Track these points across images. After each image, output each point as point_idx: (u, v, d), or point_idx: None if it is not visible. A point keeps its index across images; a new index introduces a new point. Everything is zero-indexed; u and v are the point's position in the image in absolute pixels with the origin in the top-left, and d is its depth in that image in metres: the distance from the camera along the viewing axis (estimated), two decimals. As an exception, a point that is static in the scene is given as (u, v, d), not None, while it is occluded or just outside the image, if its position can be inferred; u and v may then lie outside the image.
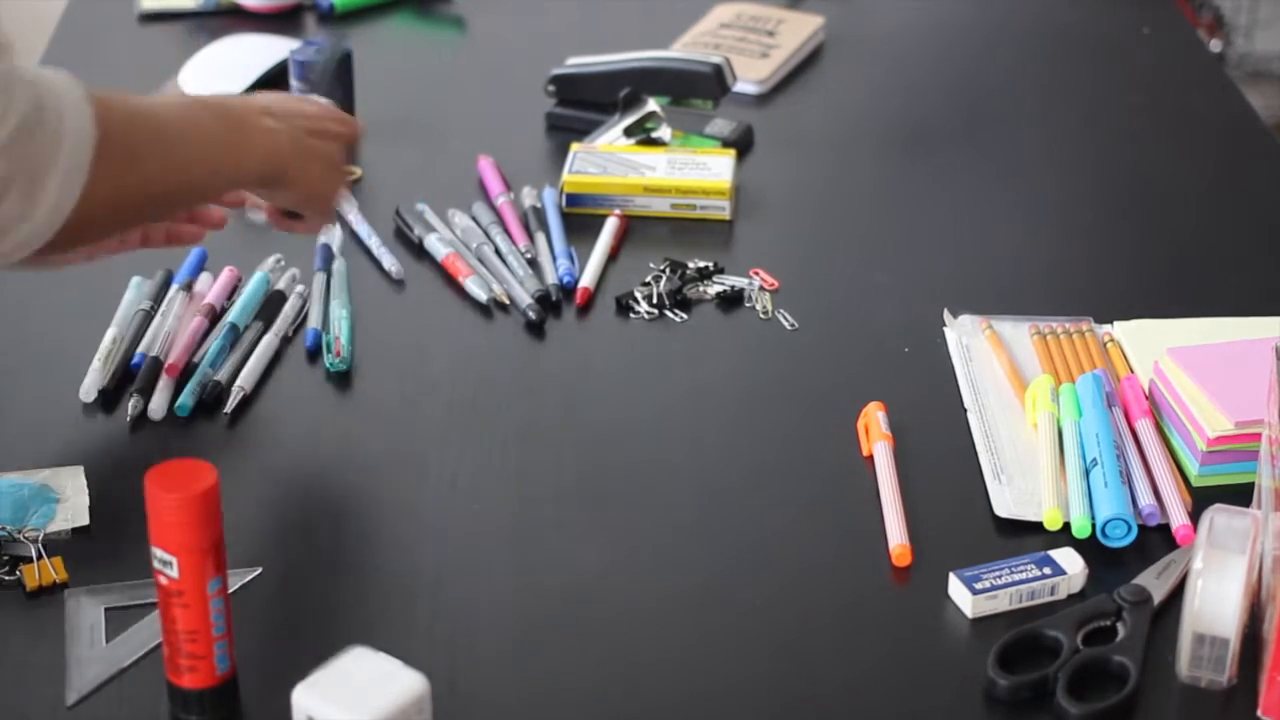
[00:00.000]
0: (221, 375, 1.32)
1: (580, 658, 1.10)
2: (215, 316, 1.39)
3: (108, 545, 1.17)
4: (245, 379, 1.32)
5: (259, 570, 1.14)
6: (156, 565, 1.00)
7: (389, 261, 1.50)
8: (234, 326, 1.37)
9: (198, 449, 1.26)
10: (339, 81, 1.68)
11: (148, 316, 1.38)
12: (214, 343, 1.35)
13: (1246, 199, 1.67)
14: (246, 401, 1.31)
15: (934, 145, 1.77)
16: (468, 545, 1.19)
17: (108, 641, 1.09)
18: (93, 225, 1.12)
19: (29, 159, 1.02)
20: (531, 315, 1.42)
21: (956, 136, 1.78)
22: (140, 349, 1.35)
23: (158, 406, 1.29)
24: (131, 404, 1.29)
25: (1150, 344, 1.35)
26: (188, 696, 1.03)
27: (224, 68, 1.81)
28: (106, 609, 1.11)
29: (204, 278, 1.44)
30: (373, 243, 1.52)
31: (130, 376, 1.32)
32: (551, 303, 1.45)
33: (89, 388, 1.30)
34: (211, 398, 1.30)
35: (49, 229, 1.05)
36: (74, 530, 1.18)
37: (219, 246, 1.46)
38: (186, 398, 1.30)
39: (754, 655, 1.10)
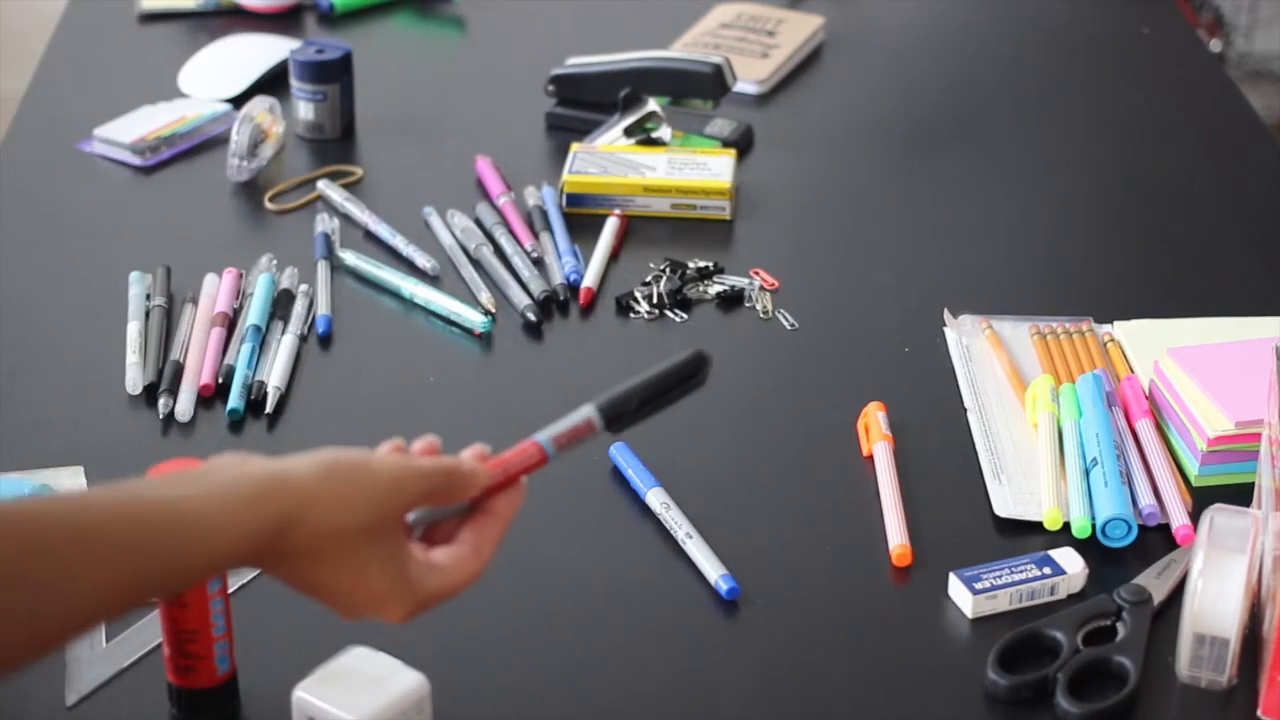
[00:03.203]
0: (258, 377, 1.34)
1: (580, 658, 1.10)
2: (228, 321, 1.40)
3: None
4: (278, 378, 1.33)
5: (259, 570, 1.14)
6: (156, 565, 1.00)
7: (422, 259, 1.50)
8: (257, 328, 1.37)
9: (195, 448, 1.26)
10: None
11: (164, 313, 1.40)
12: (245, 346, 1.36)
13: (1246, 199, 1.66)
14: (248, 401, 1.31)
15: (934, 145, 1.77)
16: (468, 545, 1.19)
17: (108, 641, 1.09)
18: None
19: None
20: (530, 317, 1.42)
21: (956, 136, 1.78)
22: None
23: (185, 408, 1.30)
24: (162, 403, 1.30)
25: (1150, 344, 1.35)
26: (188, 696, 1.03)
27: (224, 68, 1.81)
28: (106, 609, 1.11)
29: (209, 278, 1.44)
30: (398, 242, 1.52)
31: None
32: (559, 302, 1.45)
33: (134, 381, 1.32)
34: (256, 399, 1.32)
35: None
36: (74, 530, 1.18)
37: (209, 247, 1.46)
38: (236, 401, 1.30)
39: (754, 654, 1.10)
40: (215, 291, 1.43)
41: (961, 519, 1.22)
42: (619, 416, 0.94)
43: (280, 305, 1.42)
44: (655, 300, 1.45)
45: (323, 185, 1.61)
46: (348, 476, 0.89)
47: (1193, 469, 1.24)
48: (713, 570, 1.14)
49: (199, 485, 0.86)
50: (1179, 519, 1.19)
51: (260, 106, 1.65)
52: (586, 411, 0.95)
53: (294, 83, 1.70)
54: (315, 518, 0.87)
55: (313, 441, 1.29)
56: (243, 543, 0.86)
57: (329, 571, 0.89)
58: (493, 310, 1.44)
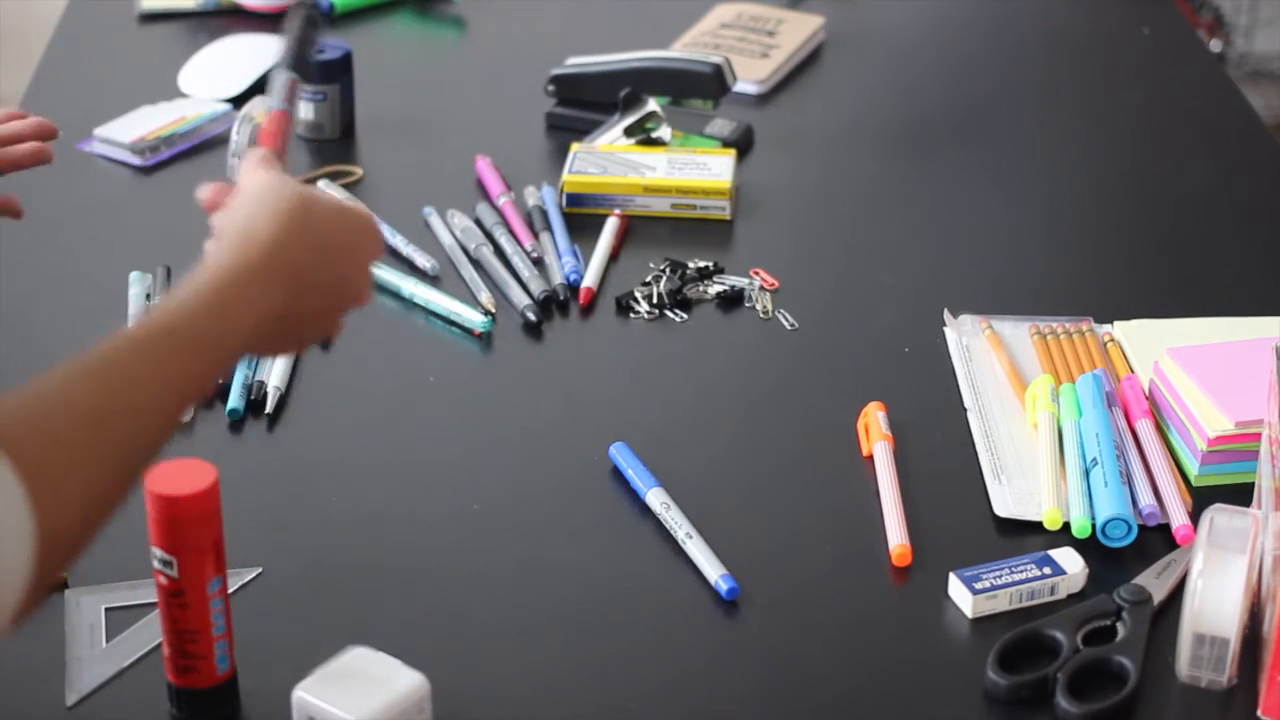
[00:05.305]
0: (257, 377, 1.34)
1: (580, 657, 1.10)
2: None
3: (108, 545, 1.17)
4: (278, 378, 1.33)
5: (259, 570, 1.14)
6: (156, 565, 1.00)
7: (422, 259, 1.50)
8: None
9: (195, 448, 1.26)
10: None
11: None
12: None
13: (1246, 199, 1.67)
14: (248, 401, 1.31)
15: (934, 145, 1.77)
16: (468, 544, 1.19)
17: (108, 641, 1.09)
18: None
19: None
20: (530, 317, 1.42)
21: (956, 136, 1.78)
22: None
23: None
24: None
25: (1150, 344, 1.35)
26: (188, 696, 1.03)
27: (224, 68, 1.81)
28: (106, 609, 1.11)
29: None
30: (398, 242, 1.52)
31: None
32: (559, 302, 1.45)
33: None
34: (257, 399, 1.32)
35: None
36: (74, 530, 1.17)
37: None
38: (236, 401, 1.30)
39: (754, 654, 1.10)
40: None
41: (961, 519, 1.22)
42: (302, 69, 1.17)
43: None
44: (655, 300, 1.45)
45: (323, 185, 1.61)
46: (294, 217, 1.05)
47: (1193, 469, 1.24)
48: (713, 570, 1.14)
49: (207, 297, 0.95)
50: (1179, 519, 1.19)
51: (260, 106, 1.65)
52: (287, 75, 1.15)
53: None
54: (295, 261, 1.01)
55: (312, 441, 1.30)
56: (264, 323, 0.97)
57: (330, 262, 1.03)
58: (493, 310, 1.44)
